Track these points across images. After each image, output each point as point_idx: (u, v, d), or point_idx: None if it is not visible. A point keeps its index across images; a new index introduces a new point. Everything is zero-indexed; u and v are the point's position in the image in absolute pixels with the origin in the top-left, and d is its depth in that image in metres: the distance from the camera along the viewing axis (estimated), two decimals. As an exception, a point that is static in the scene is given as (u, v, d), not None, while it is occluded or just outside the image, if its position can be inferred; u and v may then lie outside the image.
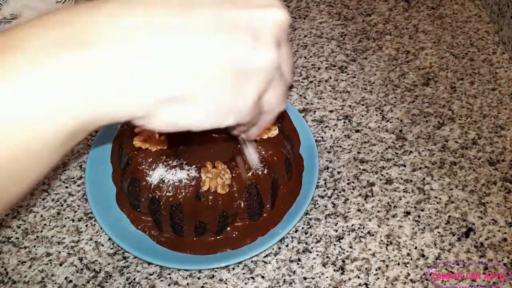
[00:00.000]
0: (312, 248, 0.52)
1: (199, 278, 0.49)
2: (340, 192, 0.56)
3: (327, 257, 0.51)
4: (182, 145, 0.59)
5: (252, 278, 0.49)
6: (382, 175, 0.58)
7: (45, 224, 0.54)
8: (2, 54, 0.24)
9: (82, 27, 0.25)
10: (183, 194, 0.48)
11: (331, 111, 0.65)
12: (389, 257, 0.51)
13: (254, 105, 0.31)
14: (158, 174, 0.50)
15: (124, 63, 0.26)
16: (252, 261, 0.51)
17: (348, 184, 0.57)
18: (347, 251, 0.51)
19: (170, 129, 0.30)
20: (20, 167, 0.26)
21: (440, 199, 0.55)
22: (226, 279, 0.49)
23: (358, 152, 0.60)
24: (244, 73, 0.30)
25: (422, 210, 0.54)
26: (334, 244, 0.52)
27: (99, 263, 0.51)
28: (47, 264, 0.51)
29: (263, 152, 0.51)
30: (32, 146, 0.25)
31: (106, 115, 0.27)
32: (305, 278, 0.49)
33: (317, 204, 0.55)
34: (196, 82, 0.28)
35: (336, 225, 0.53)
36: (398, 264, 0.50)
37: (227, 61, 0.29)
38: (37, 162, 0.26)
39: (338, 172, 0.58)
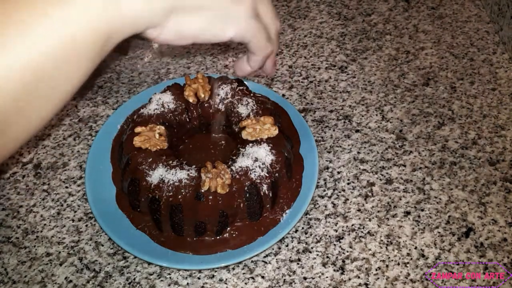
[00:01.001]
0: (312, 248, 0.52)
1: (199, 278, 0.49)
2: (340, 192, 0.56)
3: (327, 257, 0.51)
4: (182, 145, 0.59)
5: (252, 278, 0.49)
6: (382, 175, 0.58)
7: (45, 224, 0.54)
8: None
9: None
10: (183, 194, 0.48)
11: (331, 111, 0.65)
12: (389, 257, 0.51)
13: (250, 15, 0.37)
14: (158, 174, 0.50)
15: None
16: (252, 261, 0.51)
17: (348, 184, 0.57)
18: (347, 251, 0.51)
19: (179, 40, 0.36)
20: (68, 66, 0.30)
21: (440, 199, 0.55)
22: (226, 279, 0.49)
23: (358, 152, 0.60)
24: None
25: (422, 210, 0.54)
26: (334, 244, 0.52)
27: (99, 263, 0.51)
28: (47, 264, 0.51)
29: (263, 153, 0.52)
30: (78, 47, 0.30)
31: (128, 25, 0.32)
32: (305, 278, 0.49)
33: (317, 204, 0.55)
34: None
35: (336, 225, 0.53)
36: (398, 264, 0.50)
37: None
38: (81, 63, 0.31)
39: (338, 172, 0.58)
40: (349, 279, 0.49)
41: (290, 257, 0.51)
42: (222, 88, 0.57)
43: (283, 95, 0.67)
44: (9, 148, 0.32)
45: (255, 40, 0.39)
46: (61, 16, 0.29)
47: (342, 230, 0.53)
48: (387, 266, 0.50)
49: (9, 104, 0.28)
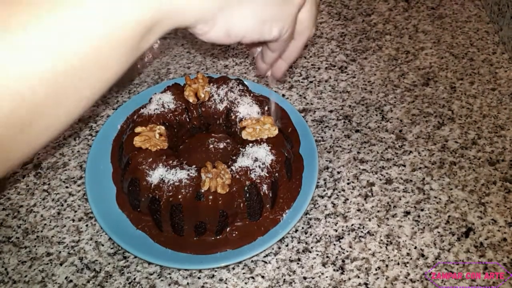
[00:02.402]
0: (312, 248, 0.52)
1: (199, 278, 0.49)
2: (340, 192, 0.56)
3: (327, 257, 0.51)
4: (182, 145, 0.59)
5: (252, 278, 0.49)
6: (382, 175, 0.58)
7: (45, 224, 0.54)
8: None
9: None
10: (183, 194, 0.48)
11: (331, 111, 0.65)
12: (389, 257, 0.51)
13: (295, 16, 0.36)
14: (158, 174, 0.50)
15: None
16: (252, 261, 0.51)
17: (348, 184, 0.57)
18: (347, 251, 0.51)
19: (226, 39, 0.34)
20: (103, 60, 0.28)
21: (440, 199, 0.55)
22: (226, 279, 0.49)
23: (358, 152, 0.60)
24: None
25: (422, 210, 0.54)
26: (334, 244, 0.52)
27: (99, 263, 0.51)
28: (47, 264, 0.51)
29: (263, 153, 0.52)
30: (114, 40, 0.27)
31: (174, 15, 0.30)
32: (305, 278, 0.49)
33: (317, 204, 0.55)
34: None
35: (336, 225, 0.53)
36: (398, 264, 0.50)
37: None
38: (118, 57, 0.29)
39: (338, 172, 0.58)
40: (349, 278, 0.49)
41: (290, 257, 0.51)
42: (222, 88, 0.57)
43: (283, 95, 0.67)
44: (32, 146, 0.29)
45: (284, 42, 0.39)
46: (95, 6, 0.26)
47: (342, 230, 0.53)
48: (387, 266, 0.50)
49: (33, 104, 0.26)
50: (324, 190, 0.56)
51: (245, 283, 0.49)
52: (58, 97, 0.27)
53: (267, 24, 0.35)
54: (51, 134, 0.29)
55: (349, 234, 0.53)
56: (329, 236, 0.52)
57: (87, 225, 0.54)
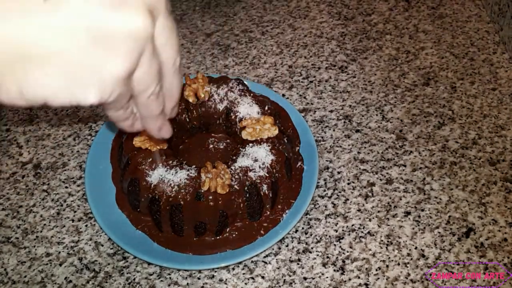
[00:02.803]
0: (312, 248, 0.51)
1: (199, 278, 0.49)
2: (340, 192, 0.56)
3: (327, 257, 0.51)
4: (182, 145, 0.59)
5: (252, 278, 0.49)
6: (382, 175, 0.58)
7: (45, 224, 0.54)
8: None
9: None
10: (183, 194, 0.48)
11: (331, 111, 0.65)
12: (389, 257, 0.51)
13: (120, 79, 0.28)
14: (158, 174, 0.49)
15: None
16: (252, 261, 0.51)
17: (348, 184, 0.57)
18: (347, 251, 0.51)
19: (22, 102, 0.27)
20: None
21: (440, 199, 0.55)
22: (226, 279, 0.49)
23: (358, 152, 0.60)
24: (104, 38, 0.26)
25: (423, 210, 0.54)
26: (334, 244, 0.52)
27: (99, 263, 0.50)
28: (47, 264, 0.51)
29: (263, 153, 0.51)
30: None
31: None
32: (305, 278, 0.49)
33: (317, 204, 0.55)
34: (44, 38, 0.25)
35: (336, 225, 0.53)
36: (398, 264, 0.50)
37: (81, 20, 0.25)
38: None
39: (338, 172, 0.58)
40: (349, 279, 0.49)
41: (290, 257, 0.51)
42: (222, 88, 0.57)
43: (283, 95, 0.67)
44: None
45: (115, 103, 0.30)
46: None
47: (342, 230, 0.53)
48: (387, 266, 0.50)
49: None
50: (324, 190, 0.56)
51: (245, 283, 0.49)
52: None
53: (78, 88, 0.27)
54: None
55: (349, 235, 0.52)
56: (330, 236, 0.52)
57: (86, 225, 0.54)
